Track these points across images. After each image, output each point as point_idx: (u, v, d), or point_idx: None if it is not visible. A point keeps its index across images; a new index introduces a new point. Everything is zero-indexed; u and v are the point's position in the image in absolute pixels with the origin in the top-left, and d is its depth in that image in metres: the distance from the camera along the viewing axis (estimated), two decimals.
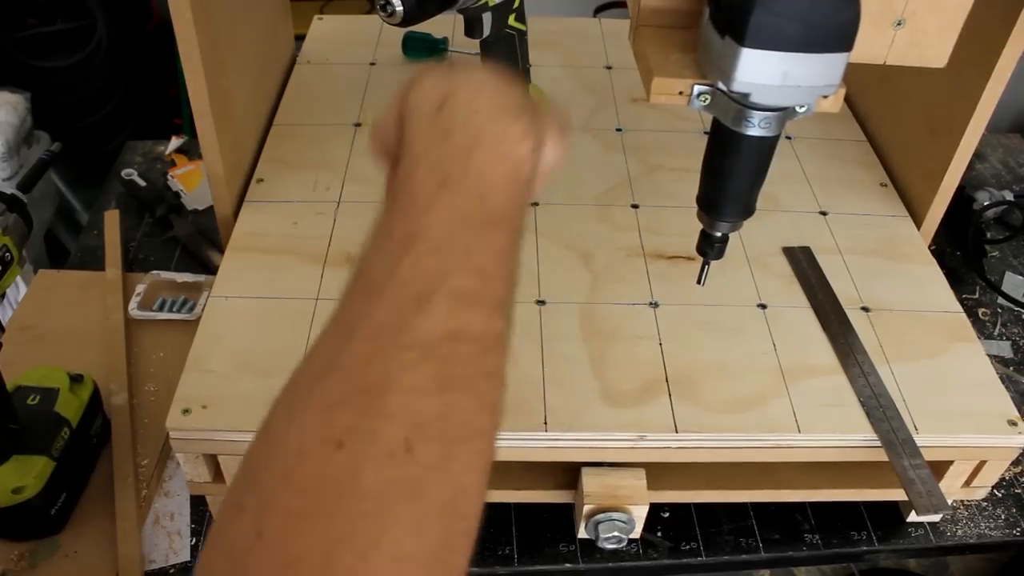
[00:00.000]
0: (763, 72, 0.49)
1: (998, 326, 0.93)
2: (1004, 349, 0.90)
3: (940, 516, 0.75)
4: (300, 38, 1.08)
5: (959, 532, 0.74)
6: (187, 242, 0.94)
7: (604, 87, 1.03)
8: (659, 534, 0.72)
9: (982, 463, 0.69)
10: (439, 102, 0.40)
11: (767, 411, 0.66)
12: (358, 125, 0.94)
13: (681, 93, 0.54)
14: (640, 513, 0.66)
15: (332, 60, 1.05)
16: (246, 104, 0.86)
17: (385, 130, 0.43)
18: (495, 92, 0.41)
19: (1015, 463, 0.79)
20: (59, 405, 0.68)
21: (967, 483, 0.71)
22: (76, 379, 0.71)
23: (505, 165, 0.39)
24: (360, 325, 0.33)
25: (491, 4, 0.75)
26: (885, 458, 0.64)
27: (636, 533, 0.68)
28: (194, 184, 1.01)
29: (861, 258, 0.81)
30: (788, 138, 0.96)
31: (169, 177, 1.02)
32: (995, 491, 0.77)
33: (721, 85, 0.52)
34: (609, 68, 1.06)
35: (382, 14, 0.65)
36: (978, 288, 0.97)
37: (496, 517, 0.72)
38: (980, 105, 0.76)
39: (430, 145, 0.39)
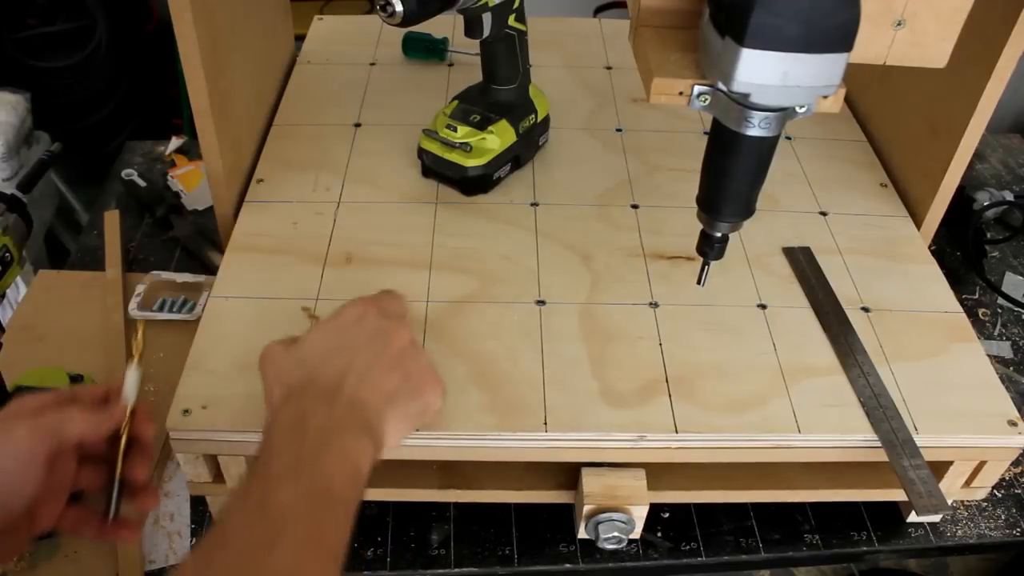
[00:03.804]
0: (763, 72, 0.49)
1: (998, 326, 0.93)
2: (1004, 349, 0.90)
3: (940, 516, 0.75)
4: (300, 38, 1.08)
5: (959, 532, 0.74)
6: (187, 242, 0.94)
7: (604, 87, 1.03)
8: (659, 534, 0.72)
9: (982, 463, 0.69)
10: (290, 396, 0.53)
11: (767, 411, 0.66)
12: (358, 125, 0.94)
13: (681, 93, 0.54)
14: (640, 513, 0.66)
15: (332, 60, 1.05)
16: (246, 104, 0.86)
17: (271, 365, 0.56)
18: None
19: (1015, 463, 0.79)
20: None
21: (967, 483, 0.71)
22: (76, 379, 0.71)
23: (348, 467, 0.49)
24: (217, 558, 0.44)
25: (491, 4, 0.75)
26: (885, 458, 0.64)
27: (636, 533, 0.68)
28: (194, 184, 1.01)
29: (861, 258, 0.81)
30: (788, 138, 0.96)
31: (169, 177, 1.02)
32: (995, 491, 0.77)
33: (721, 85, 0.52)
34: (609, 68, 1.06)
35: (382, 14, 0.65)
36: (978, 288, 0.97)
37: (496, 517, 0.72)
38: (980, 105, 0.76)
39: (288, 437, 0.49)
